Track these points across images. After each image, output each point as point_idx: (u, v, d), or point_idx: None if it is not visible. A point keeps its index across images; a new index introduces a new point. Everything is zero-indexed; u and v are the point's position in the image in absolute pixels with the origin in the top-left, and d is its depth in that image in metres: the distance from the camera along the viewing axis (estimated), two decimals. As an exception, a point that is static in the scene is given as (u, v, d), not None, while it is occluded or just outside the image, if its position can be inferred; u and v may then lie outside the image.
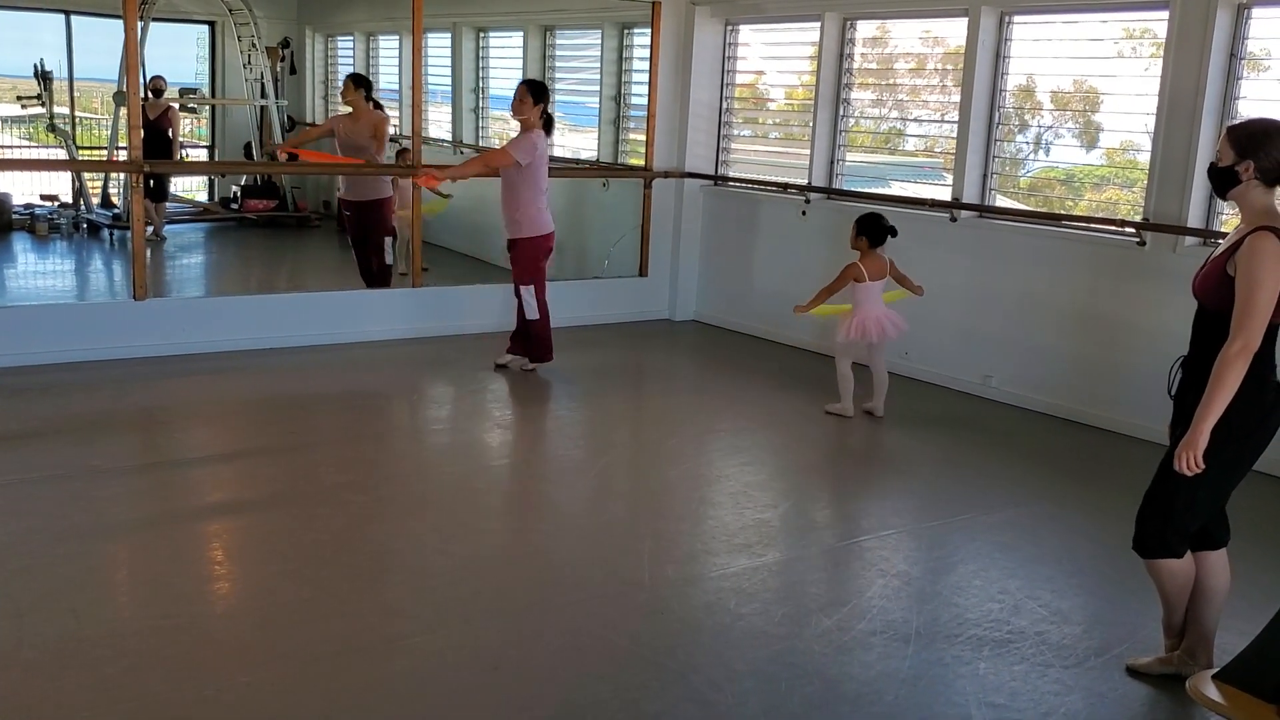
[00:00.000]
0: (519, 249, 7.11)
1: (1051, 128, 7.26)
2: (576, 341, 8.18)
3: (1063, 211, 7.07)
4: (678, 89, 8.93)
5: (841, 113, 8.14)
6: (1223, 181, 3.43)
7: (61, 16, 13.19)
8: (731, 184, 8.98)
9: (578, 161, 10.51)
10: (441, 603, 4.05)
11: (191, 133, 14.87)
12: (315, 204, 13.85)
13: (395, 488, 5.27)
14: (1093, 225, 6.75)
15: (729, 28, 8.90)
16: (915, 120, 8.05)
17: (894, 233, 6.47)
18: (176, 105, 12.95)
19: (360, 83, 8.40)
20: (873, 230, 6.46)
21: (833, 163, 8.19)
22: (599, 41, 10.07)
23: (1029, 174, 7.52)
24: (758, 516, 5.03)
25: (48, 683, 3.37)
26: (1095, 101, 6.97)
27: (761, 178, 8.78)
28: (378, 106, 8.88)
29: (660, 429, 6.44)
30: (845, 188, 8.16)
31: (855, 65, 8.11)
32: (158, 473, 5.38)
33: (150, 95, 11.58)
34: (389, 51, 13.26)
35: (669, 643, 3.80)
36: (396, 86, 12.96)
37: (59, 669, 3.45)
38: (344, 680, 3.47)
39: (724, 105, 9.03)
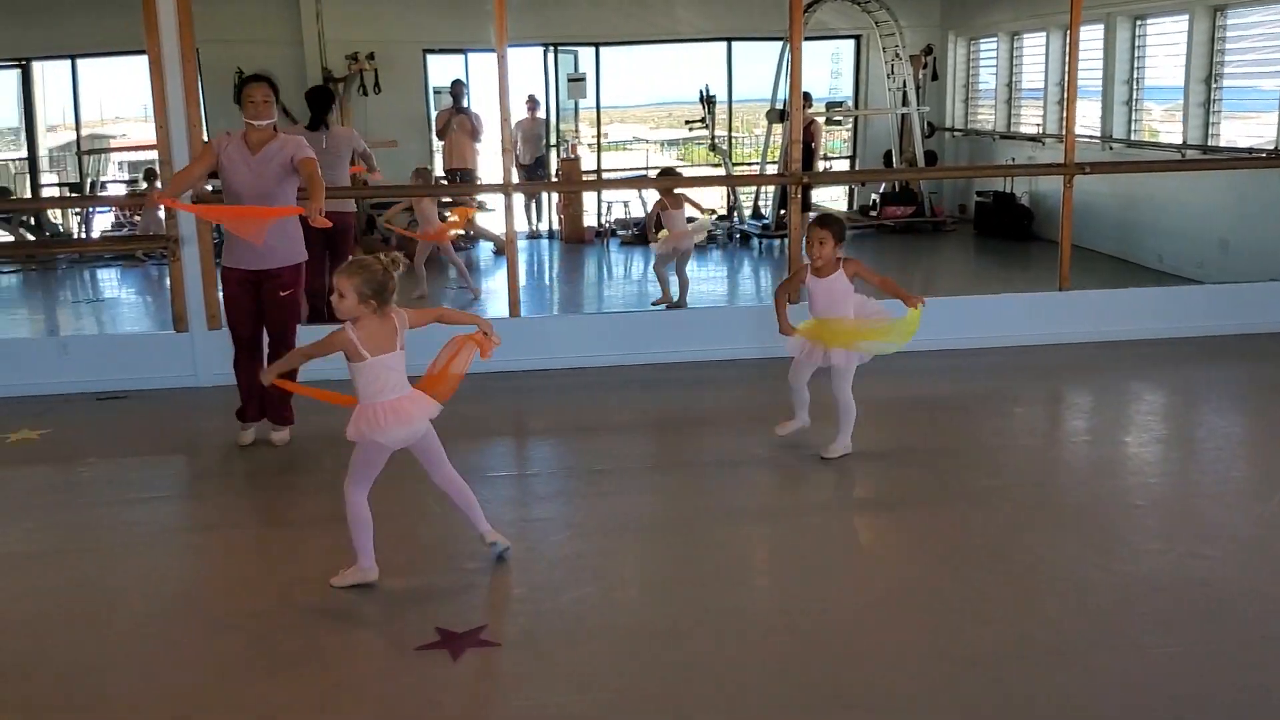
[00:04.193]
0: None
1: None
2: None
3: None
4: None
5: None
6: None
7: (722, 44, 14.46)
8: None
9: (1251, 151, 9.45)
10: (1104, 620, 3.82)
11: (827, 145, 15.51)
12: (951, 208, 13.86)
13: (1047, 496, 5.08)
14: None
15: None
16: None
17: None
18: (822, 120, 13.61)
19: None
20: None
21: None
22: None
23: None
24: None
25: (714, 661, 3.66)
26: None
27: None
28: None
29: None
30: None
31: None
32: (795, 467, 5.58)
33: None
34: (1034, 50, 12.88)
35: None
36: (1041, 85, 12.56)
37: (717, 644, 3.74)
38: (998, 691, 3.40)
39: None
